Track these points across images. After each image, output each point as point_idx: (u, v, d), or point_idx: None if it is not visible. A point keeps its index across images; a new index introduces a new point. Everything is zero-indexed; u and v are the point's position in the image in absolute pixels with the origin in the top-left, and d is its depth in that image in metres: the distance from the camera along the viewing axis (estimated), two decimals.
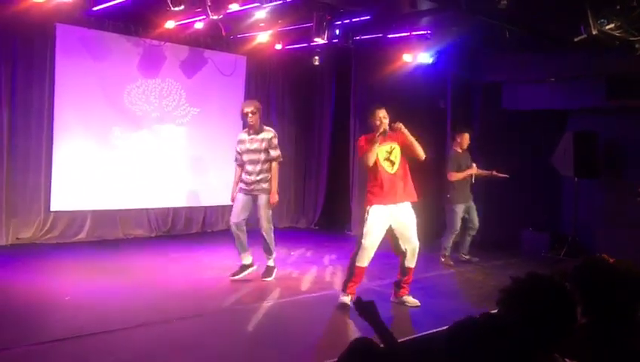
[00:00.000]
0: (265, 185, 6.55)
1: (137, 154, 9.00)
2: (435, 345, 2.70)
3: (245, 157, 6.58)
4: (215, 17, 6.77)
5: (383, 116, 5.73)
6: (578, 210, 8.89)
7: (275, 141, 6.60)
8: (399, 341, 2.59)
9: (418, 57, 8.76)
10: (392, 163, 5.78)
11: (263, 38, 8.88)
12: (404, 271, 5.94)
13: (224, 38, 8.90)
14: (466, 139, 8.10)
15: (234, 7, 6.87)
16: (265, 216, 6.57)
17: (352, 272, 5.75)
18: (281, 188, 10.81)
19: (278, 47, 9.35)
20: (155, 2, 6.92)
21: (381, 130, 5.65)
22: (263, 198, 6.54)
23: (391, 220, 5.75)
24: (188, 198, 9.54)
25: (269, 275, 6.71)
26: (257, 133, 6.57)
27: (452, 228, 8.05)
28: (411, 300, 5.98)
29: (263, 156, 6.52)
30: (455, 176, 7.96)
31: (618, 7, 4.90)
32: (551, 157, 8.96)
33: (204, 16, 7.21)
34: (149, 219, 9.15)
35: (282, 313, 5.67)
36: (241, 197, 6.58)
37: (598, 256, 2.19)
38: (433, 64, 9.07)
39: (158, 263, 7.46)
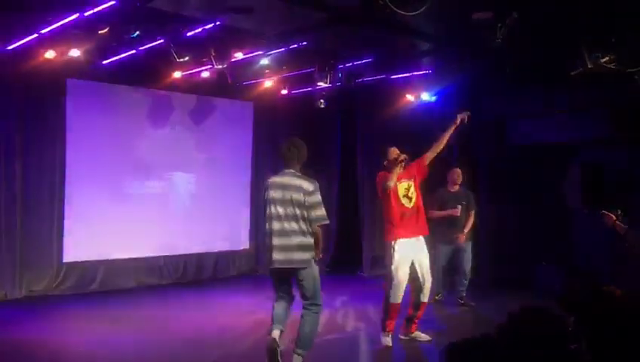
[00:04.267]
0: None
1: (148, 202, 9.08)
2: None
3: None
4: (220, 66, 6.95)
5: (396, 152, 5.90)
6: (590, 243, 8.81)
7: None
8: None
9: (421, 96, 8.87)
10: (410, 199, 5.94)
11: (268, 84, 9.07)
12: (418, 306, 5.95)
13: (230, 85, 9.06)
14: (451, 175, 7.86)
15: (238, 55, 7.07)
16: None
17: (388, 310, 5.77)
18: None
19: (284, 92, 9.52)
20: (162, 54, 7.10)
21: (402, 158, 5.80)
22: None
23: (412, 254, 5.83)
24: (199, 245, 9.57)
25: None
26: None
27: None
28: (423, 336, 6.00)
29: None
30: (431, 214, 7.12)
31: (613, 40, 5.00)
32: (561, 188, 8.93)
33: (209, 66, 7.38)
34: (161, 267, 9.17)
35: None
36: None
37: (601, 289, 2.17)
38: (436, 102, 9.17)
39: (171, 311, 7.45)
